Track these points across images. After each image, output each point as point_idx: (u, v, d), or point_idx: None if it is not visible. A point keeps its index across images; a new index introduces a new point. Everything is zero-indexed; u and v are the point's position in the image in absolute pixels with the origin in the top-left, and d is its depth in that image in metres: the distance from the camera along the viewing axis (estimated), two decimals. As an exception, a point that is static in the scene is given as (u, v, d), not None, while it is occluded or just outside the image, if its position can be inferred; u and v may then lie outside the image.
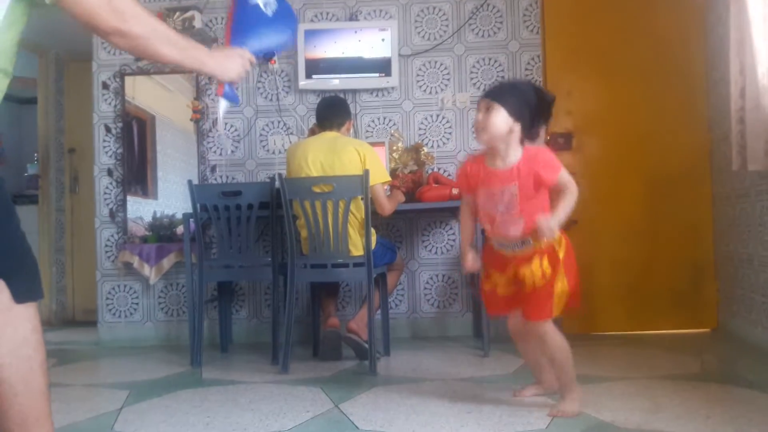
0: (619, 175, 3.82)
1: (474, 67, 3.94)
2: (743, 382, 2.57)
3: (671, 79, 3.80)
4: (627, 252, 3.79)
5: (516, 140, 2.07)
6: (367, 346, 2.99)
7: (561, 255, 2.09)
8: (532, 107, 2.07)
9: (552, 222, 1.97)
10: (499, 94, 2.07)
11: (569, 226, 3.81)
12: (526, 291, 2.11)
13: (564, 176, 2.06)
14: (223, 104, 1.88)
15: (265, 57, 1.96)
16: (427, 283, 3.91)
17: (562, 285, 2.08)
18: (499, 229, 2.11)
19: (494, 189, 2.10)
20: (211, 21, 4.00)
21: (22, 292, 1.47)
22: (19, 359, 1.46)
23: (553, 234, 1.98)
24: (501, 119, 2.03)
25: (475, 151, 2.27)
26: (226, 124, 3.96)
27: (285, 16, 1.94)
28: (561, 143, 3.85)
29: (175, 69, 4.00)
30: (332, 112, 3.31)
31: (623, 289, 3.79)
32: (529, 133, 2.09)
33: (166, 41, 1.56)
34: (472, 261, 2.21)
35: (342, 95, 3.77)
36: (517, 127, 2.05)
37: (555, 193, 2.08)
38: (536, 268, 2.08)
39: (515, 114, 2.04)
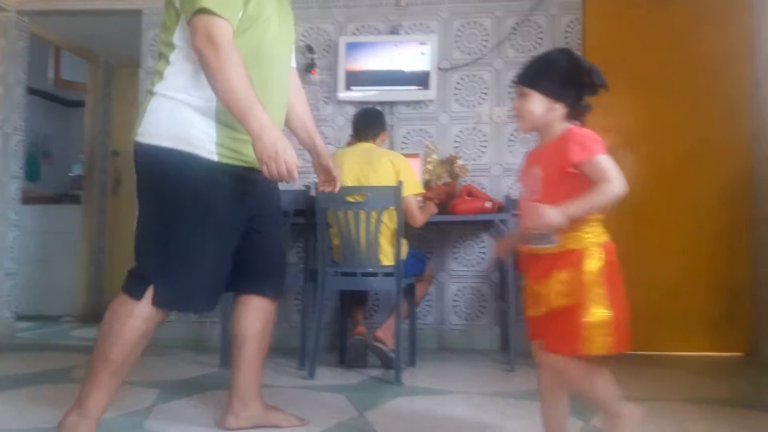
0: (656, 194, 3.77)
1: (513, 82, 3.94)
2: (775, 410, 2.51)
3: (715, 98, 3.76)
4: (661, 271, 3.74)
5: (560, 119, 1.76)
6: (393, 355, 3.01)
7: (592, 270, 1.65)
8: (572, 81, 1.76)
9: (552, 211, 1.60)
10: (532, 77, 1.80)
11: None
12: (544, 312, 1.71)
13: (600, 163, 1.63)
14: None
15: None
16: (456, 295, 3.92)
17: (598, 312, 1.62)
18: (522, 218, 1.79)
19: (526, 170, 1.82)
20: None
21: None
22: None
23: (545, 224, 1.62)
24: (537, 105, 1.76)
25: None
26: None
27: None
28: (597, 160, 3.83)
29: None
30: (367, 124, 3.36)
31: (655, 309, 3.73)
32: (576, 109, 1.76)
33: (225, 84, 1.75)
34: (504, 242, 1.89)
35: (380, 107, 3.81)
36: (559, 106, 1.75)
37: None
38: (554, 283, 1.67)
39: (553, 95, 1.75)
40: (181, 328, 4.04)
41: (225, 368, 3.21)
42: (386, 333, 3.14)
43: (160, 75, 1.92)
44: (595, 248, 1.67)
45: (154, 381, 2.96)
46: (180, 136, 1.85)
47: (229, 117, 1.84)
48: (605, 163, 1.64)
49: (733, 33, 3.77)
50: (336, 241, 3.16)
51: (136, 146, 1.93)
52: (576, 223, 1.66)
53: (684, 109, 3.79)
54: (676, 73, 3.80)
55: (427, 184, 3.67)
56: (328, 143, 4.01)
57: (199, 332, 4.03)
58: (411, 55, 3.96)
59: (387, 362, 3.10)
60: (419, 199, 3.31)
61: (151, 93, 1.92)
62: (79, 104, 5.67)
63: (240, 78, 1.75)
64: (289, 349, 3.68)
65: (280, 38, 2.02)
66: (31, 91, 4.91)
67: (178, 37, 1.89)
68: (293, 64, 2.25)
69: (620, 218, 3.72)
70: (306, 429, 2.19)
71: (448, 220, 3.53)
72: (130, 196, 4.52)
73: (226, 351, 3.26)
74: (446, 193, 3.68)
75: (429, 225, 3.46)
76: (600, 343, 1.63)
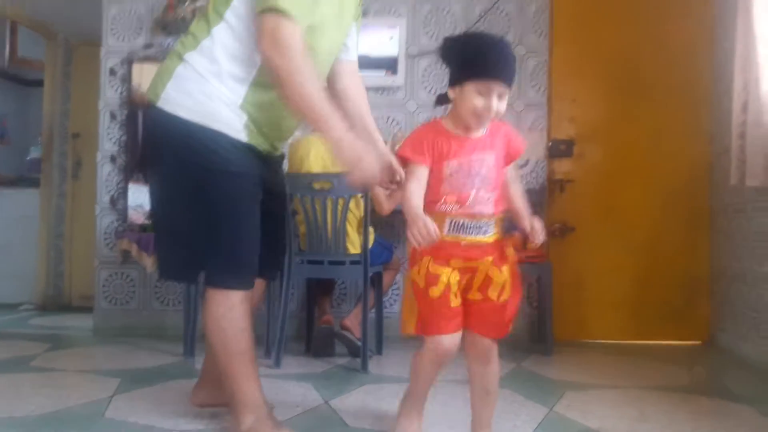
0: (619, 185, 3.83)
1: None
2: (730, 395, 2.59)
3: (676, 90, 3.81)
4: (623, 261, 3.81)
5: None
6: (360, 343, 3.00)
7: (513, 257, 1.77)
8: None
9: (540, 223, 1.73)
10: (512, 76, 1.71)
11: (566, 233, 3.88)
12: (490, 298, 1.73)
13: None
14: None
15: None
16: (423, 283, 3.92)
17: (518, 297, 1.78)
18: (473, 208, 1.71)
19: (471, 159, 1.72)
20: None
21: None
22: None
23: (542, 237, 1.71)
24: (506, 103, 1.72)
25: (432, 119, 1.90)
26: None
27: None
28: (562, 150, 3.87)
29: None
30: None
31: (617, 298, 3.81)
32: None
33: (298, 93, 1.65)
34: (430, 225, 1.67)
35: (346, 92, 3.77)
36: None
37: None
38: (506, 272, 1.74)
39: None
40: (143, 316, 3.97)
41: (188, 357, 3.17)
42: (353, 321, 3.13)
43: (195, 41, 1.78)
44: (511, 251, 1.78)
45: (114, 370, 2.91)
46: (209, 114, 1.75)
47: (257, 109, 1.79)
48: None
49: (695, 26, 3.82)
50: (302, 229, 3.13)
51: (158, 112, 1.80)
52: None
53: (646, 100, 3.83)
54: (640, 64, 3.84)
55: (394, 172, 3.65)
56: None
57: (162, 320, 3.96)
58: (378, 39, 3.92)
59: (354, 351, 3.09)
60: (387, 186, 3.29)
61: (179, 57, 1.79)
62: (38, 84, 5.48)
63: (313, 87, 1.66)
64: (254, 338, 3.64)
65: (330, 50, 1.93)
66: (-14, 70, 4.74)
67: (232, 13, 1.75)
68: (354, 57, 2.17)
69: (585, 207, 3.81)
70: (271, 419, 2.17)
71: (415, 207, 3.51)
72: (91, 180, 4.42)
73: (189, 340, 3.22)
74: (414, 180, 3.66)
75: (396, 213, 3.45)
76: (511, 326, 1.77)
